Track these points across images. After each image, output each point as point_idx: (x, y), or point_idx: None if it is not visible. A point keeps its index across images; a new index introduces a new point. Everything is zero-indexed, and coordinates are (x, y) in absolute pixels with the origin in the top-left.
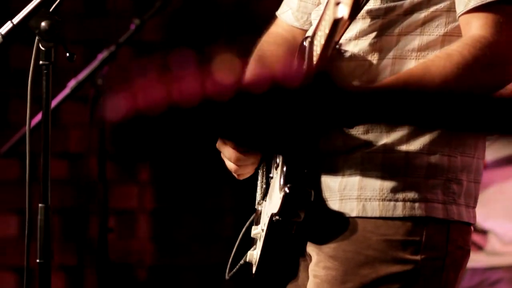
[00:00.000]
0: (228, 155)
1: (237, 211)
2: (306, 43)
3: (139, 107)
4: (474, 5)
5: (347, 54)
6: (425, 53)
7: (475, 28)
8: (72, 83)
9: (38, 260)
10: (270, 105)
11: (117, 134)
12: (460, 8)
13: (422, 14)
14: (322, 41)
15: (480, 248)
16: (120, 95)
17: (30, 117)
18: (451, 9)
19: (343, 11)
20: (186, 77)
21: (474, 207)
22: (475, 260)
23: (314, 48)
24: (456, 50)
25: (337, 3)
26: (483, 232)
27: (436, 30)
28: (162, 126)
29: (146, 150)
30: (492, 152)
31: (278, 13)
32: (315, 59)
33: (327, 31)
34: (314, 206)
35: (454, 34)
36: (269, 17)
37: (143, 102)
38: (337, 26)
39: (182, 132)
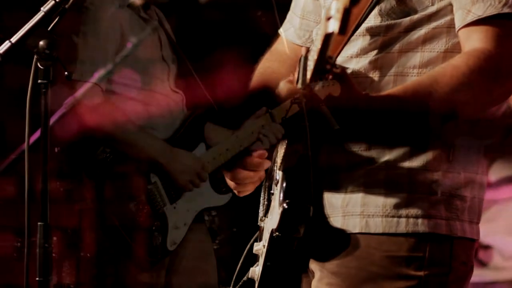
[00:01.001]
0: (229, 175)
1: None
2: (302, 59)
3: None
4: (472, 19)
5: (349, 71)
6: (426, 70)
7: (476, 41)
8: (69, 101)
9: (37, 278)
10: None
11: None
12: (458, 22)
13: (422, 31)
14: (315, 56)
15: (484, 264)
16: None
17: (29, 135)
18: (451, 25)
19: (334, 26)
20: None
21: (478, 223)
22: (477, 275)
23: (309, 63)
24: (461, 61)
25: (328, 18)
26: (486, 248)
27: (437, 46)
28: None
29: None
30: (497, 171)
31: (281, 31)
32: (309, 74)
33: (319, 46)
34: (316, 223)
35: (454, 50)
36: (259, 29)
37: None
38: (328, 41)
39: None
